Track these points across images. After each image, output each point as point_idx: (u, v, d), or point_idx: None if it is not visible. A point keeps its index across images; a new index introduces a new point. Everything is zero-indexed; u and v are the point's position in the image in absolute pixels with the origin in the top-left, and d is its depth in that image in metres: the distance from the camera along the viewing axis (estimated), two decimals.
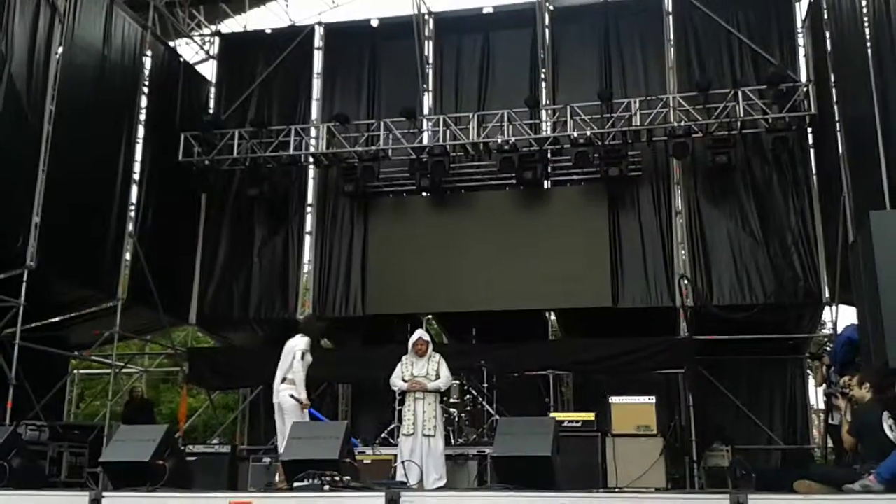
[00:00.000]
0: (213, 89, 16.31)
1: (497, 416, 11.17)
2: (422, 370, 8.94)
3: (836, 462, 9.39)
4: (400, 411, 9.63)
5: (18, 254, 11.30)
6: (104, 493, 6.47)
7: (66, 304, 13.20)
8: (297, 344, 8.60)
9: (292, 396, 8.38)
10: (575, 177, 14.06)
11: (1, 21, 11.12)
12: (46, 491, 7.81)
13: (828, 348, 12.51)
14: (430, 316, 15.28)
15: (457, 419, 11.07)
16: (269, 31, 16.39)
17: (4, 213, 11.09)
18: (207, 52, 16.73)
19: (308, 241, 15.21)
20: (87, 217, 12.63)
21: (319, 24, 16.06)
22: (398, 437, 9.25)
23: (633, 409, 10.10)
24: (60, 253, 11.87)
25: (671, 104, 13.11)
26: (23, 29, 11.57)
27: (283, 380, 8.56)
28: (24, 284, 11.27)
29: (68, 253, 12.10)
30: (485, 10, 15.27)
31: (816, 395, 13.43)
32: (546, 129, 13.82)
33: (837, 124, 12.11)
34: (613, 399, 10.23)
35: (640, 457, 9.70)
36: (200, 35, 16.89)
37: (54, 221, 11.75)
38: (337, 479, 6.69)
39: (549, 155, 13.87)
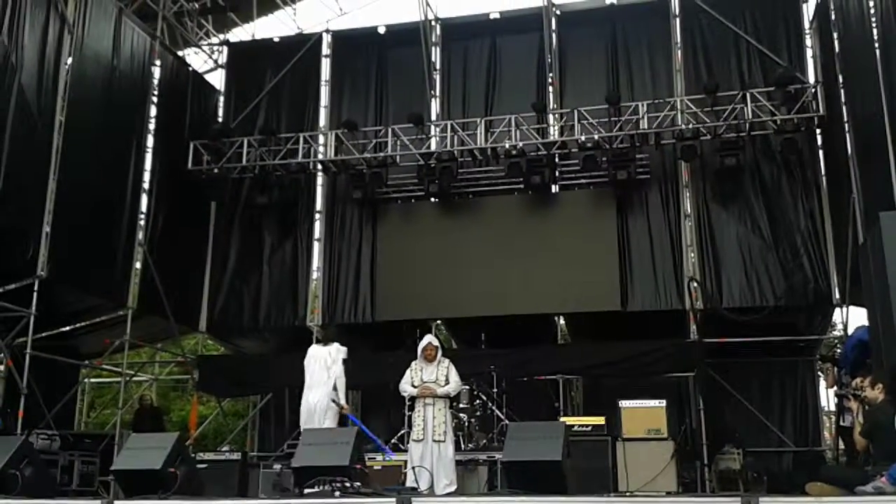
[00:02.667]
0: (221, 98, 16.36)
1: (507, 421, 11.15)
2: (431, 376, 8.96)
3: (847, 464, 9.35)
4: (410, 417, 9.64)
5: (29, 263, 11.36)
6: (116, 502, 6.51)
7: (77, 314, 13.27)
8: (340, 352, 9.08)
9: (335, 402, 8.85)
10: (583, 181, 14.05)
11: (11, 32, 11.20)
12: (58, 500, 7.85)
13: (838, 350, 12.46)
14: (439, 321, 15.28)
15: (467, 424, 11.06)
16: (276, 40, 16.45)
17: (15, 223, 11.15)
18: (216, 61, 16.81)
19: (317, 248, 15.22)
20: (97, 226, 12.69)
21: (327, 31, 16.11)
22: (408, 442, 9.26)
23: (644, 412, 10.06)
24: (71, 262, 11.93)
25: (679, 107, 13.11)
26: (33, 40, 11.65)
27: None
28: (35, 294, 11.32)
29: (79, 262, 12.17)
30: (491, 16, 15.29)
31: (827, 397, 13.39)
32: (554, 133, 13.83)
33: (846, 125, 12.07)
34: (623, 403, 10.19)
35: (651, 460, 9.66)
36: (209, 44, 16.98)
37: (64, 231, 11.82)
38: (347, 485, 6.71)
39: (556, 159, 13.85)
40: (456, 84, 15.21)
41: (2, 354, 11.38)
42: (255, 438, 15.83)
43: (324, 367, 9.12)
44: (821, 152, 13.45)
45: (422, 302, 14.01)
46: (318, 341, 9.50)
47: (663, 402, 10.15)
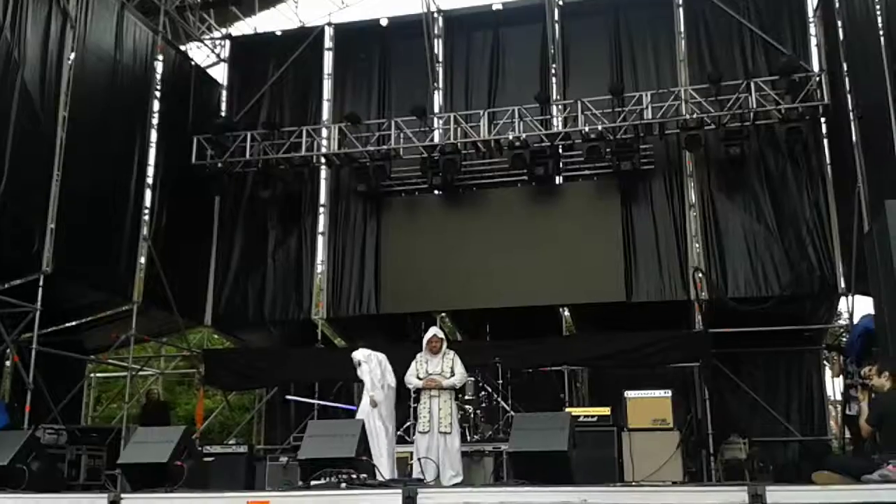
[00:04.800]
0: (224, 92, 16.37)
1: (512, 412, 11.16)
2: (436, 367, 8.96)
3: (854, 453, 9.33)
4: (415, 409, 9.65)
5: (34, 259, 11.37)
6: (123, 495, 6.51)
7: (82, 308, 13.29)
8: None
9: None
10: (587, 172, 14.03)
11: (13, 27, 11.20)
12: (65, 494, 7.88)
13: (844, 339, 12.43)
14: (443, 314, 15.28)
15: (472, 416, 11.06)
16: (279, 33, 16.43)
17: (20, 219, 11.17)
18: (218, 56, 16.78)
19: (321, 241, 15.23)
20: (101, 221, 12.70)
21: (329, 24, 16.08)
22: (414, 434, 9.27)
23: (649, 403, 10.08)
24: (76, 257, 11.94)
25: (683, 97, 13.05)
26: (35, 35, 11.64)
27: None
28: (41, 289, 11.34)
29: (84, 257, 12.18)
30: (494, 7, 15.23)
31: (833, 386, 13.37)
32: (557, 124, 13.80)
33: (851, 114, 12.02)
34: (629, 393, 10.21)
35: (657, 451, 9.68)
36: (211, 38, 16.94)
37: (69, 226, 11.82)
38: (354, 476, 6.71)
39: (560, 150, 13.83)
40: (459, 76, 15.18)
41: (8, 350, 11.39)
42: (262, 431, 15.88)
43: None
44: (825, 141, 13.40)
45: (426, 294, 14.02)
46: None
47: (669, 393, 10.17)
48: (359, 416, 9.11)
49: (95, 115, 12.66)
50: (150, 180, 14.13)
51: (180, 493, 6.82)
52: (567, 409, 10.79)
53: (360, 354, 9.27)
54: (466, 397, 11.03)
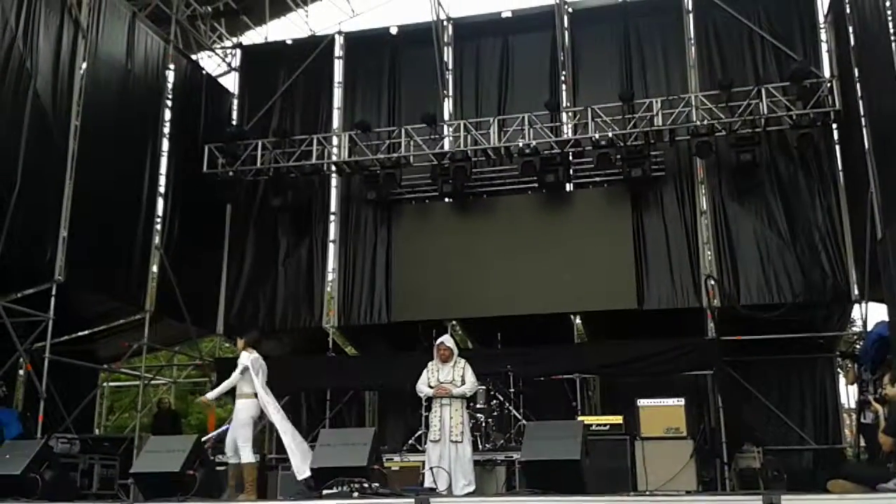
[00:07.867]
0: (235, 101, 16.43)
1: (524, 421, 11.12)
2: (448, 376, 8.94)
3: (869, 461, 9.26)
4: (427, 417, 9.63)
5: (47, 268, 11.42)
6: None
7: (95, 318, 13.35)
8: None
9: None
10: (597, 179, 13.99)
11: (25, 38, 11.28)
12: (78, 503, 7.89)
13: (858, 346, 12.34)
14: (454, 322, 15.26)
15: (484, 424, 11.03)
16: (289, 42, 16.49)
17: (32, 228, 11.21)
18: (229, 65, 16.86)
19: (332, 249, 15.24)
20: (113, 230, 12.76)
21: (339, 33, 16.13)
22: (426, 443, 9.25)
23: (662, 411, 10.01)
24: (88, 267, 12.00)
25: (693, 103, 13.01)
26: (47, 45, 11.72)
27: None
28: (53, 299, 11.39)
29: (96, 266, 12.24)
30: (503, 15, 15.26)
31: (847, 394, 13.28)
32: (567, 131, 13.79)
33: (862, 119, 11.95)
34: (641, 402, 10.14)
35: (670, 459, 9.60)
36: (222, 47, 17.03)
37: (81, 235, 11.88)
38: (366, 485, 6.71)
39: (570, 157, 13.81)
40: (469, 83, 15.19)
41: (21, 359, 11.44)
42: (273, 440, 15.83)
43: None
44: (837, 147, 13.33)
45: (437, 302, 13.99)
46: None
47: (682, 401, 10.09)
48: (243, 420, 8.77)
49: (107, 124, 12.73)
50: (161, 189, 14.20)
51: (193, 502, 6.83)
52: (579, 418, 10.75)
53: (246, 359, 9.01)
54: (478, 406, 11.00)
